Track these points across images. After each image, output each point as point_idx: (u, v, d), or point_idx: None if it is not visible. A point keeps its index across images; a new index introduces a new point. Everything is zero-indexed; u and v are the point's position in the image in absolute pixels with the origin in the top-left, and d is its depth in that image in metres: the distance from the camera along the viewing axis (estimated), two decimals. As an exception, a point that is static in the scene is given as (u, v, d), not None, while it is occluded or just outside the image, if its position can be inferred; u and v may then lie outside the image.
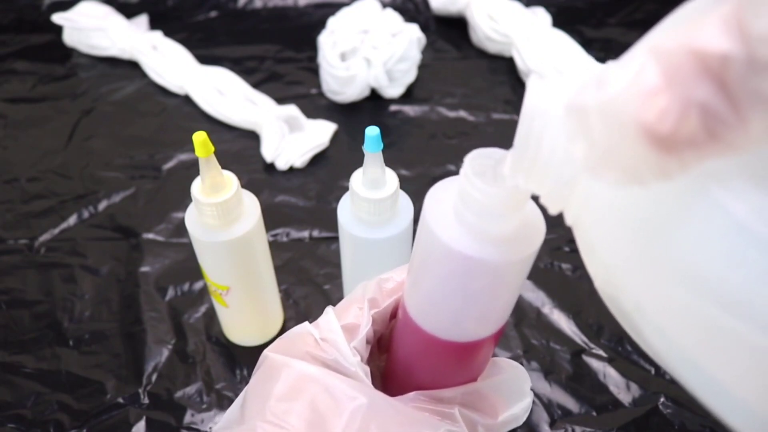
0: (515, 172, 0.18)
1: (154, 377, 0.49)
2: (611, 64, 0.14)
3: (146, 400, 0.47)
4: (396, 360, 0.27)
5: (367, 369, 0.25)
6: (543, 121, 0.17)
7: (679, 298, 0.15)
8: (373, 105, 0.73)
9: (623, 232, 0.17)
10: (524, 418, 0.26)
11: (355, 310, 0.26)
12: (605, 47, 0.80)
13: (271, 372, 0.24)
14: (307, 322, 0.26)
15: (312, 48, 0.78)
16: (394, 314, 0.27)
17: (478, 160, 0.20)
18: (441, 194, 0.21)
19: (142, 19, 0.83)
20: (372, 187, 0.38)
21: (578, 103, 0.14)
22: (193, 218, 0.41)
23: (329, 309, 0.26)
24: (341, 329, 0.25)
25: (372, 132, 0.36)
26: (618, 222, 0.17)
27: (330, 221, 0.60)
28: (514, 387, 0.26)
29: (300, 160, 0.65)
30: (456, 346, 0.23)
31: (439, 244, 0.20)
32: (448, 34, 0.84)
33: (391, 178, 0.39)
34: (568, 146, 0.16)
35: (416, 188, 0.62)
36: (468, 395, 0.25)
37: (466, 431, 0.24)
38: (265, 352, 0.25)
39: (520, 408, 0.26)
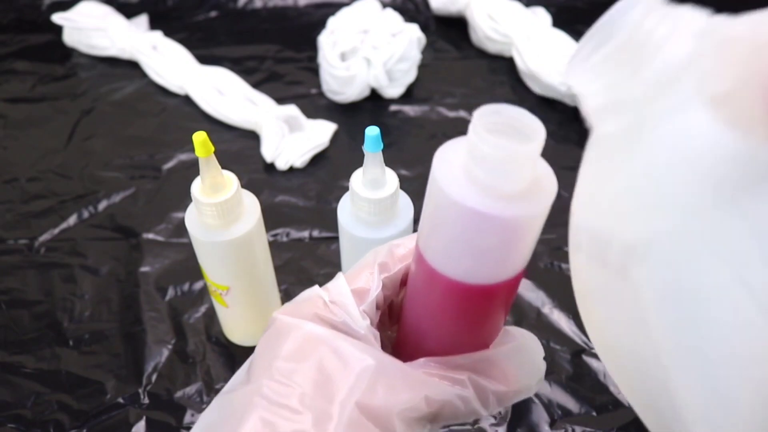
0: (588, 57, 0.17)
1: (154, 377, 0.49)
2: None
3: (146, 400, 0.47)
4: (408, 324, 0.26)
5: (377, 333, 0.25)
6: (644, 8, 0.16)
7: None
8: (373, 105, 0.73)
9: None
10: (536, 389, 0.26)
11: (366, 275, 0.26)
12: (605, 47, 0.80)
13: (279, 333, 0.24)
14: (317, 286, 0.26)
15: (312, 48, 0.78)
16: (404, 281, 0.27)
17: (486, 117, 0.20)
18: (449, 154, 0.21)
19: (142, 19, 0.83)
20: (372, 187, 0.38)
21: (725, 31, 0.14)
22: (193, 218, 0.41)
23: (340, 274, 0.26)
24: (351, 293, 0.25)
25: (372, 132, 0.36)
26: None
27: (330, 221, 0.60)
28: (527, 356, 0.26)
29: (300, 160, 0.65)
30: (473, 289, 0.22)
31: (451, 203, 0.20)
32: (448, 34, 0.84)
33: (391, 178, 0.39)
34: (691, 67, 0.15)
35: (416, 188, 0.62)
36: (479, 363, 0.25)
37: (476, 397, 0.24)
38: (275, 314, 0.25)
39: (532, 377, 0.26)
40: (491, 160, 0.19)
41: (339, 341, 0.23)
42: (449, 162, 0.21)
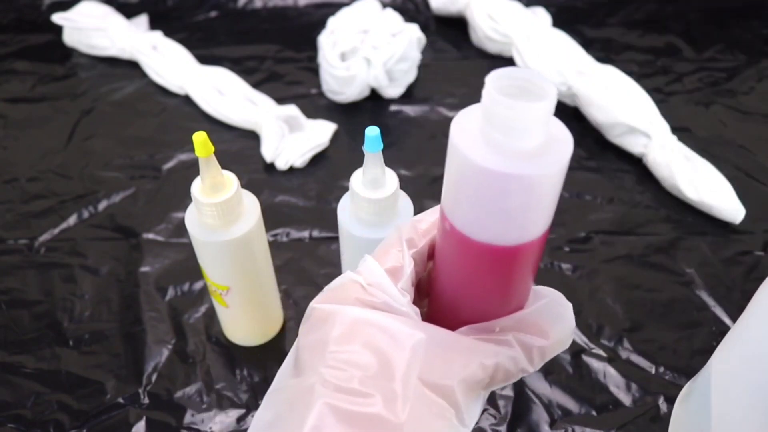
0: None
1: (154, 377, 0.49)
2: None
3: (146, 400, 0.47)
4: (441, 296, 0.27)
5: (417, 309, 0.25)
6: None
7: None
8: (373, 105, 0.73)
9: None
10: (569, 342, 0.26)
11: (395, 253, 0.26)
12: (605, 47, 0.80)
13: (323, 321, 0.24)
14: (349, 271, 0.26)
15: (312, 48, 0.78)
16: (430, 255, 0.27)
17: (498, 80, 0.21)
18: (465, 120, 0.22)
19: (142, 19, 0.83)
20: (372, 187, 0.38)
21: None
22: (193, 218, 0.41)
23: (368, 256, 0.26)
24: (385, 273, 0.25)
25: (372, 132, 0.36)
26: None
27: (330, 221, 0.60)
28: (559, 311, 0.26)
29: (300, 160, 0.65)
30: (503, 251, 0.23)
31: (471, 166, 0.21)
32: (448, 34, 0.84)
33: (391, 178, 0.39)
34: None
35: (416, 188, 0.62)
36: (519, 323, 0.25)
37: (524, 356, 0.24)
38: (312, 304, 0.25)
39: (566, 330, 0.26)
40: (506, 120, 0.20)
41: (386, 320, 0.23)
42: (466, 127, 0.22)
